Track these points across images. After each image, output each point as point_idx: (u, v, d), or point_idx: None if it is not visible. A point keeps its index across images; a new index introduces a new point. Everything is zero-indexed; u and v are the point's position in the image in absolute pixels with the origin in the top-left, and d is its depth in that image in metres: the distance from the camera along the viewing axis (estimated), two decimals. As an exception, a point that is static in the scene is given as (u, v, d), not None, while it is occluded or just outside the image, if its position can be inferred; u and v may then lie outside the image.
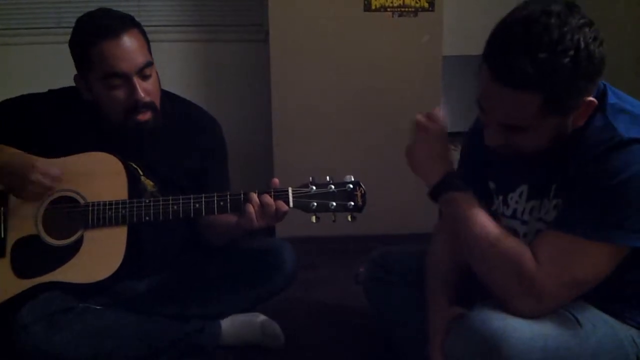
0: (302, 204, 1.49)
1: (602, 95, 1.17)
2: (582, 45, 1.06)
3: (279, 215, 1.49)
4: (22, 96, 1.66)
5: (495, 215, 1.35)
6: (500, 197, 1.37)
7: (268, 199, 1.47)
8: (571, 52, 1.05)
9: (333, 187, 1.49)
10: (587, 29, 1.07)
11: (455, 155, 1.42)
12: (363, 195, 1.49)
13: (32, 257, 1.51)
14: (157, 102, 1.59)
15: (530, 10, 1.09)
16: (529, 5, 1.11)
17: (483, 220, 1.21)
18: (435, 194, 1.29)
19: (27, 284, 1.50)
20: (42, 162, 1.50)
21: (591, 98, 1.12)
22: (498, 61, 1.10)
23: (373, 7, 2.64)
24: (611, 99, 1.17)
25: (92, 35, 1.50)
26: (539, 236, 1.20)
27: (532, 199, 1.29)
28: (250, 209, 1.47)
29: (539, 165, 1.24)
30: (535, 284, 1.11)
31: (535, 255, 1.13)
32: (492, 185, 1.41)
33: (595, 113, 1.16)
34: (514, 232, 1.30)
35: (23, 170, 1.48)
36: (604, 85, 1.19)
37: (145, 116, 1.55)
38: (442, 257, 1.43)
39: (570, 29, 1.06)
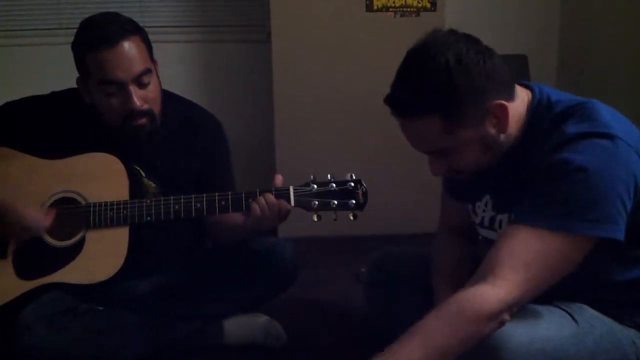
0: (303, 203, 1.49)
1: (547, 102, 1.18)
2: (453, 59, 1.09)
3: (282, 215, 1.49)
4: (25, 98, 1.66)
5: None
6: (470, 207, 1.38)
7: (271, 198, 1.48)
8: (442, 68, 1.09)
9: (334, 185, 1.49)
10: (461, 45, 1.10)
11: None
12: (364, 193, 1.49)
13: (34, 258, 1.51)
14: (157, 109, 1.58)
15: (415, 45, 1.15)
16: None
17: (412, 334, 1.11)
18: None
19: (30, 285, 1.50)
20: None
21: (500, 101, 1.13)
22: (388, 99, 1.16)
23: (375, 8, 2.64)
24: (554, 100, 1.18)
25: (90, 42, 1.50)
26: (493, 245, 1.14)
27: (499, 211, 1.28)
28: (257, 210, 1.47)
29: (499, 176, 1.24)
30: (503, 307, 1.06)
31: (491, 268, 1.08)
32: (462, 192, 1.41)
33: (542, 119, 1.17)
34: (491, 243, 1.26)
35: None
36: (543, 89, 1.21)
37: (142, 122, 1.54)
38: (447, 253, 1.42)
39: (440, 49, 1.10)
